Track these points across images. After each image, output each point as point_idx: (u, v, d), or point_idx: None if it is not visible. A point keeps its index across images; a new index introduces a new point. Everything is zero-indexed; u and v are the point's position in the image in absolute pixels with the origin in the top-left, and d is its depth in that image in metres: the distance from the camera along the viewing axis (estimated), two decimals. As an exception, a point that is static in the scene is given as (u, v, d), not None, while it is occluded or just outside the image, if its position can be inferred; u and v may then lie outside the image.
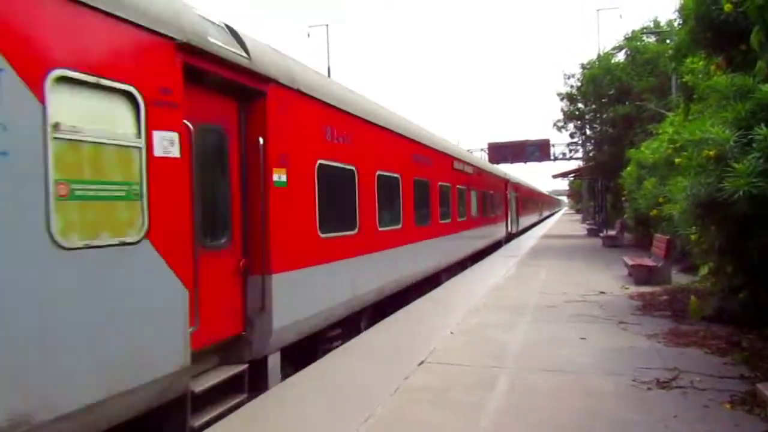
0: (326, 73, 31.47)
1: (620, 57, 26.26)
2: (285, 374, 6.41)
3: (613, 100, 25.41)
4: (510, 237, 28.43)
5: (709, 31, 6.29)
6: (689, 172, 5.99)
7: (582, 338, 7.71)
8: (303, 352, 7.06)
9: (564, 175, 44.18)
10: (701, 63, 7.41)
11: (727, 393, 5.37)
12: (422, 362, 6.71)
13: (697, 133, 5.72)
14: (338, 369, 6.63)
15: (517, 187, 33.53)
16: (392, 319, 9.54)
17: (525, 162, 42.42)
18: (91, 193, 3.99)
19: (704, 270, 8.42)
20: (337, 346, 7.70)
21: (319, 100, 7.55)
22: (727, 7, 5.66)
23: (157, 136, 4.55)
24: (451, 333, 8.21)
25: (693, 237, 6.91)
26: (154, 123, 4.52)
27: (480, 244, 20.20)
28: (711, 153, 5.46)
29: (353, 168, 8.72)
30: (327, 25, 38.31)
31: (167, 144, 4.66)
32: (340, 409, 5.31)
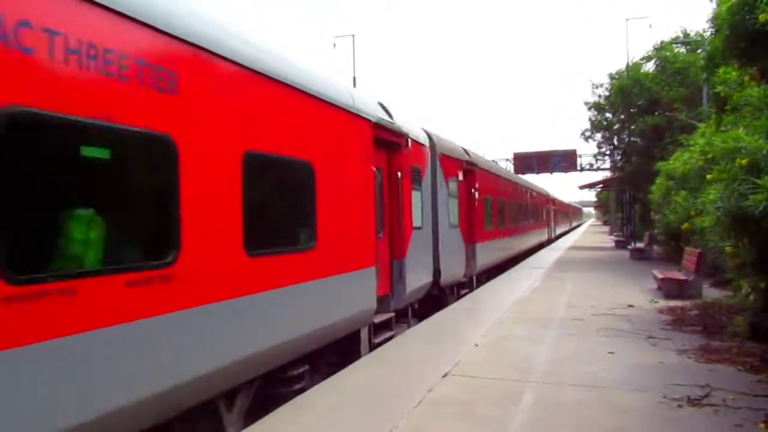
0: (352, 83, 31.67)
1: (649, 67, 25.93)
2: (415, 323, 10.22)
3: (643, 110, 25.05)
4: (551, 240, 39.15)
5: (744, 41, 6.17)
6: (721, 183, 5.86)
7: (610, 353, 7.56)
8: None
9: (591, 186, 43.59)
10: (734, 73, 7.26)
11: (762, 412, 5.20)
12: (446, 374, 6.65)
13: (730, 142, 5.60)
14: (360, 379, 6.60)
15: (557, 202, 45.48)
16: (416, 330, 9.49)
17: (551, 172, 42.00)
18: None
19: (743, 290, 8.17)
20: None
21: (450, 156, 13.19)
22: (763, 16, 5.55)
23: None
24: (476, 345, 8.13)
25: (727, 249, 6.74)
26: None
27: (542, 238, 33.25)
28: (743, 162, 5.34)
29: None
30: (353, 36, 38.31)
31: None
32: (361, 421, 5.28)
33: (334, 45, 35.21)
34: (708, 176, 6.21)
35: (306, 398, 5.90)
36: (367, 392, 6.13)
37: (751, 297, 7.85)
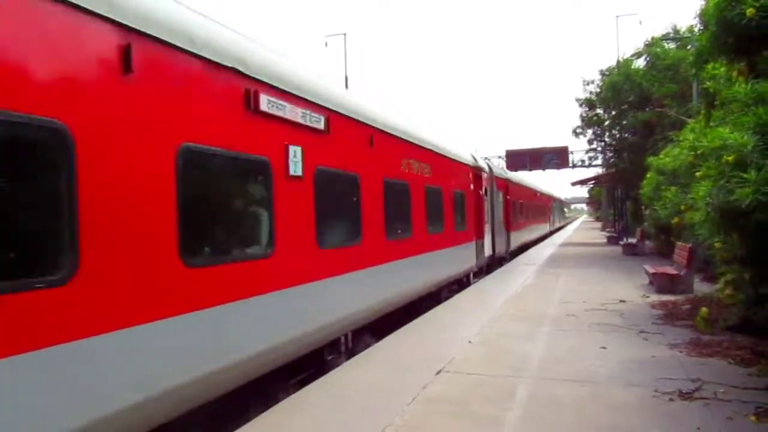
0: (343, 83, 31.55)
1: (640, 63, 26.01)
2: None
3: (633, 106, 25.15)
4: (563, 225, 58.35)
5: (731, 37, 6.21)
6: (710, 179, 5.91)
7: (602, 348, 7.62)
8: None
9: (583, 182, 43.81)
10: (723, 69, 7.29)
11: (752, 405, 5.25)
12: (440, 371, 6.67)
13: (717, 140, 5.64)
14: (355, 377, 6.62)
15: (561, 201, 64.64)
16: (409, 327, 9.51)
17: (543, 169, 42.08)
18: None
19: (722, 283, 8.22)
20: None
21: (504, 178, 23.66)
22: (750, 11, 5.59)
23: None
24: (470, 342, 8.16)
25: (717, 244, 6.79)
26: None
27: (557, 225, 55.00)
28: (730, 158, 5.38)
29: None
30: (345, 35, 38.01)
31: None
32: (356, 418, 5.30)
33: (326, 44, 35.18)
34: (697, 173, 6.25)
35: (302, 396, 5.92)
36: (362, 390, 6.14)
37: (727, 292, 7.91)
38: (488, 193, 18.70)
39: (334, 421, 5.26)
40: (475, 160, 17.02)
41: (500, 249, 20.74)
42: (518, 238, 26.01)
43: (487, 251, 18.05)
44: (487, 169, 19.08)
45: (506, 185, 23.30)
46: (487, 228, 18.17)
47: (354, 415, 5.41)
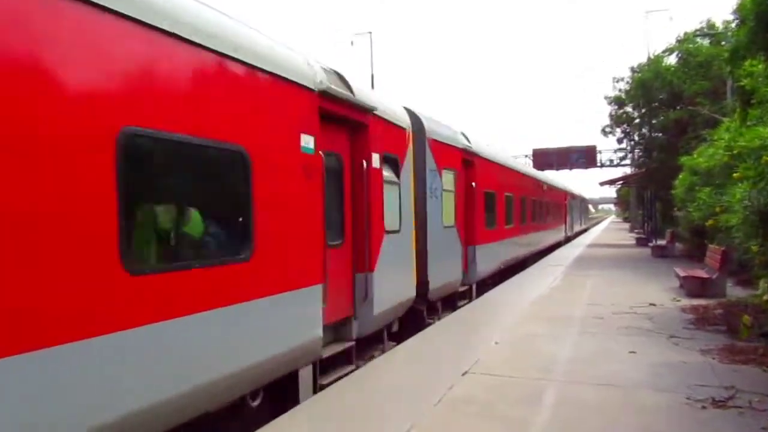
0: (370, 81, 31.62)
1: (671, 60, 25.51)
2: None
3: (664, 104, 24.68)
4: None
5: (770, 33, 6.02)
6: (748, 181, 5.74)
7: (631, 352, 7.46)
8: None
9: (611, 182, 43.14)
10: (761, 66, 7.07)
11: (790, 415, 5.08)
12: (466, 372, 6.61)
13: (756, 140, 5.47)
14: (380, 377, 6.60)
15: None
16: (435, 328, 9.46)
17: (570, 169, 41.66)
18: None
19: (763, 289, 7.97)
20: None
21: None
22: (791, 7, 5.41)
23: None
24: (496, 343, 8.07)
25: (753, 248, 6.59)
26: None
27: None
28: None
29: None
30: (370, 33, 38.12)
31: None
32: (381, 419, 5.27)
33: (352, 43, 35.24)
34: (734, 174, 6.08)
35: (326, 397, 5.91)
36: (387, 389, 6.12)
37: (765, 297, 7.68)
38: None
39: (356, 422, 5.24)
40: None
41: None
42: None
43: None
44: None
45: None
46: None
47: (378, 415, 5.39)
